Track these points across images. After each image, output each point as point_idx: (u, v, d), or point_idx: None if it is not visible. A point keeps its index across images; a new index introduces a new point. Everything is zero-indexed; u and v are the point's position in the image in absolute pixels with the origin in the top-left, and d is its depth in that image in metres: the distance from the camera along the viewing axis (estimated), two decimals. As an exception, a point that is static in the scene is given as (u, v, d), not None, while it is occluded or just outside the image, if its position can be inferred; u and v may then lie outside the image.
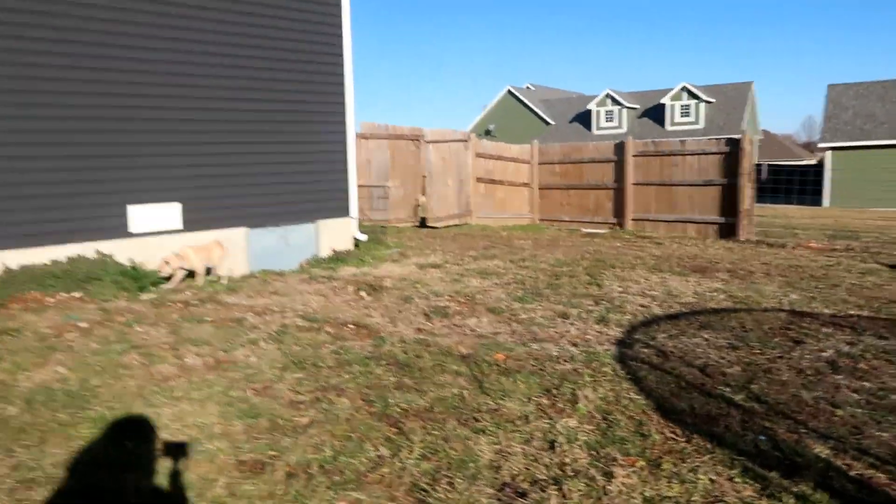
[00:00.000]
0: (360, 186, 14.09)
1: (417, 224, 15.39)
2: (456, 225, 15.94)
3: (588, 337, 5.90)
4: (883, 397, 4.73)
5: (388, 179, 14.82)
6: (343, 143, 9.52)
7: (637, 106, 43.61)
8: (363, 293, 7.21)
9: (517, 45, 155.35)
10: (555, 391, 4.55)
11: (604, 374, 4.93)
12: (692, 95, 40.92)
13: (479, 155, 16.56)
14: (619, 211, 16.51)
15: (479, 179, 16.61)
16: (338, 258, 9.27)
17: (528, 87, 51.22)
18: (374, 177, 14.56)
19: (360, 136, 14.19)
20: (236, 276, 8.35)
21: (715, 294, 7.93)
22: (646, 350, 5.63)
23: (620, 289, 7.99)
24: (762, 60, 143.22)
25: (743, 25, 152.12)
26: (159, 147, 7.84)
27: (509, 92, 48.80)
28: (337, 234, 9.60)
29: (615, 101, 43.26)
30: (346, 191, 9.60)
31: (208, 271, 7.83)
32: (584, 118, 44.77)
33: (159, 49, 7.75)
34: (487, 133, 47.13)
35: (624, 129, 42.37)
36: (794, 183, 36.16)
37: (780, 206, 31.25)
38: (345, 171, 9.56)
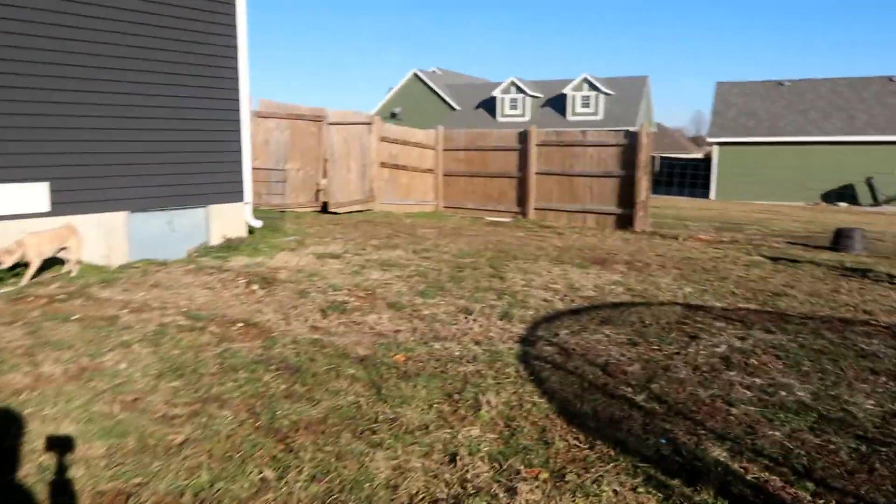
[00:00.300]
0: (256, 169, 13.37)
1: (319, 209, 14.83)
2: (359, 211, 15.50)
3: (491, 335, 5.72)
4: (773, 394, 4.81)
5: (287, 162, 14.16)
6: (237, 120, 8.89)
7: (540, 95, 44.32)
8: (255, 286, 6.73)
9: (424, 28, 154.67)
10: (457, 396, 4.33)
11: (507, 376, 4.76)
12: (592, 87, 42.01)
13: (383, 139, 16.15)
14: (522, 200, 16.59)
15: (382, 164, 16.22)
16: (230, 246, 8.68)
17: (434, 71, 50.95)
18: (272, 159, 13.87)
19: (258, 115, 13.45)
20: (114, 265, 7.62)
21: (614, 287, 7.99)
22: (549, 348, 5.52)
23: (524, 282, 7.90)
24: (656, 55, 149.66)
25: (640, 20, 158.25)
26: (22, 119, 6.98)
27: (415, 75, 48.36)
28: (229, 220, 8.99)
29: (519, 90, 43.76)
30: (239, 173, 8.99)
31: (61, 262, 6.99)
32: (490, 105, 45.06)
33: (25, 7, 6.88)
34: (393, 116, 46.56)
35: (527, 118, 42.97)
36: (684, 176, 37.95)
37: (672, 198, 32.68)
38: (238, 151, 8.95)
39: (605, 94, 42.01)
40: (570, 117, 42.06)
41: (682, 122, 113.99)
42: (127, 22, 7.69)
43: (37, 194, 7.06)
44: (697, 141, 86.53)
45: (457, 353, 5.16)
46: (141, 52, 7.86)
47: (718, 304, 7.48)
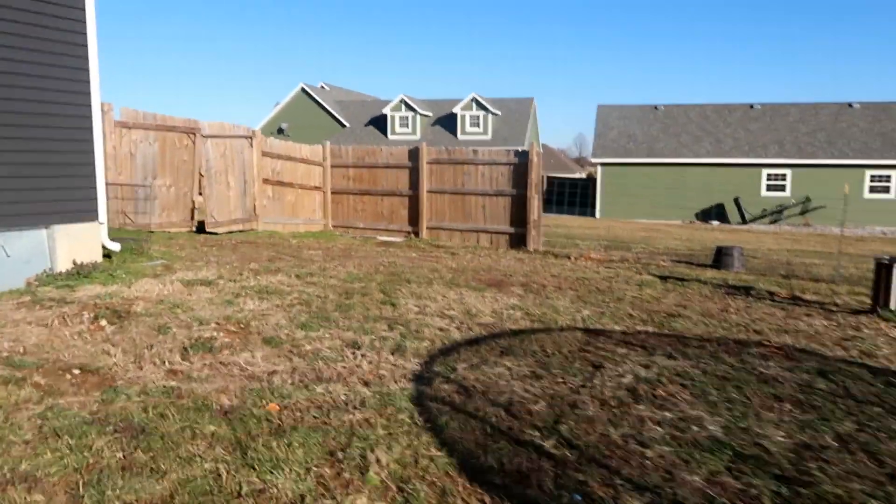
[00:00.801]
0: (120, 185, 12.04)
1: (195, 229, 13.60)
2: (240, 231, 14.38)
3: (382, 373, 5.06)
4: (685, 429, 4.47)
5: (157, 177, 12.88)
6: (88, 129, 7.75)
7: (430, 113, 44.31)
8: (104, 322, 5.70)
9: (310, 43, 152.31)
10: (341, 454, 3.63)
11: (400, 424, 4.12)
12: (481, 107, 42.48)
13: (265, 154, 15.14)
14: (414, 219, 16.06)
15: (265, 181, 15.19)
16: (80, 273, 7.51)
17: (322, 87, 49.86)
18: (138, 173, 12.55)
19: (121, 125, 12.13)
20: (-73, 298, 6.32)
21: (512, 312, 7.57)
22: (446, 386, 4.93)
23: (417, 308, 7.29)
24: (540, 77, 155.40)
25: (524, 43, 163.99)
26: None
27: (303, 90, 47.08)
28: (80, 242, 7.81)
29: (410, 108, 43.55)
30: (92, 189, 7.84)
31: None
32: (380, 122, 44.54)
33: None
34: (280, 132, 44.98)
35: (418, 136, 42.78)
36: (572, 195, 38.99)
37: (561, 216, 33.39)
38: (90, 164, 7.80)
39: (494, 114, 42.59)
40: (460, 136, 42.26)
41: (566, 144, 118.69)
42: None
43: None
44: (580, 162, 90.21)
45: (342, 398, 4.45)
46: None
47: (618, 328, 7.22)
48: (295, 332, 5.86)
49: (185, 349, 5.21)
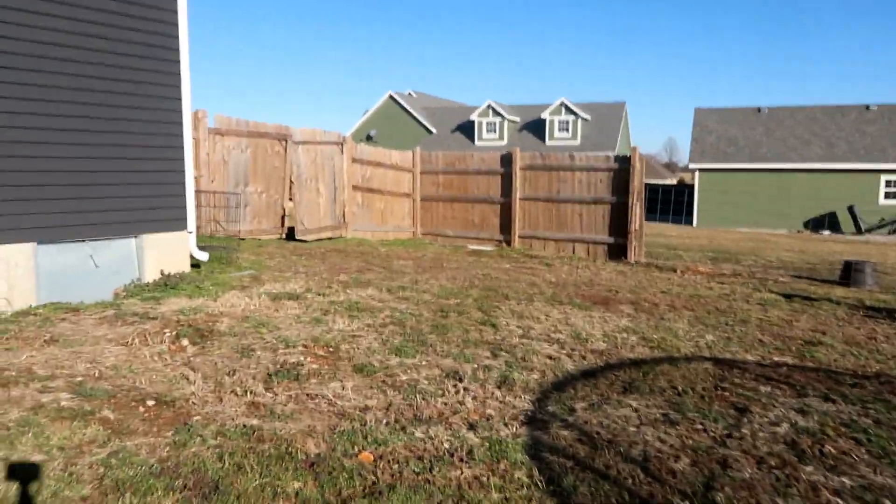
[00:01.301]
0: (213, 193, 11.89)
1: (284, 236, 13.35)
2: (329, 238, 14.05)
3: (489, 412, 4.31)
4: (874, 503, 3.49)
5: (249, 184, 12.69)
6: (178, 136, 7.44)
7: (518, 119, 43.43)
8: (185, 341, 5.24)
9: (400, 51, 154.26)
10: (449, 528, 2.91)
11: (518, 486, 3.36)
12: (570, 112, 41.23)
13: (355, 160, 14.77)
14: (506, 227, 15.29)
15: (355, 187, 14.83)
16: (167, 284, 7.18)
17: (410, 94, 49.92)
18: (231, 180, 12.39)
19: (215, 132, 11.99)
20: (15, 309, 6.08)
21: (626, 336, 6.67)
22: (566, 433, 4.12)
23: (520, 330, 6.51)
24: (629, 81, 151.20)
25: (615, 47, 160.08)
26: None
27: (391, 97, 47.25)
28: (169, 252, 7.49)
29: (497, 113, 42.83)
30: (181, 197, 7.52)
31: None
32: (467, 128, 44.05)
33: None
34: (368, 138, 45.28)
35: (505, 142, 42.00)
36: (665, 202, 37.10)
37: (657, 225, 31.71)
38: (180, 171, 7.49)
39: (583, 118, 41.25)
40: (548, 142, 41.17)
41: (655, 149, 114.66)
42: (33, 13, 6.23)
43: (-90, 222, 5.53)
44: (670, 167, 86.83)
45: (446, 446, 3.73)
46: (71, 66, 6.41)
47: (751, 358, 6.20)
48: (388, 358, 5.21)
49: (269, 376, 4.65)
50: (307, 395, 4.39)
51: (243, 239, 12.44)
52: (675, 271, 12.30)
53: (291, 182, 13.18)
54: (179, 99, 7.38)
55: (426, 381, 4.79)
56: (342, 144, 14.41)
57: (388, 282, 8.61)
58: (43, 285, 6.46)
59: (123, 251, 7.11)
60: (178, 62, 7.31)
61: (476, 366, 5.22)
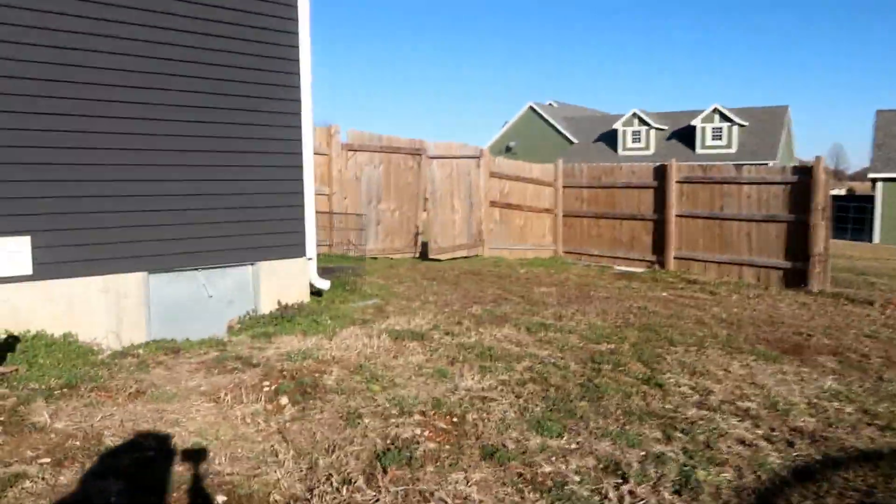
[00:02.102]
0: (343, 214, 11.29)
1: (417, 255, 12.55)
2: (465, 257, 13.08)
3: (672, 544, 2.97)
4: None
5: (381, 201, 12.01)
6: (298, 154, 6.71)
7: (665, 127, 40.62)
8: (284, 399, 4.34)
9: (541, 61, 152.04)
10: None
11: None
12: (724, 118, 37.89)
13: (493, 174, 13.71)
14: (659, 247, 13.54)
15: (493, 203, 13.76)
16: (283, 317, 6.44)
17: (550, 104, 48.44)
18: (363, 198, 11.76)
19: (347, 148, 11.41)
20: (125, 344, 5.54)
21: (839, 406, 5.00)
22: None
23: (695, 394, 5.05)
24: (787, 84, 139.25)
25: (774, 49, 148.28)
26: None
27: (531, 109, 46.04)
28: (286, 280, 6.78)
29: (642, 122, 40.31)
30: (300, 220, 6.79)
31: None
32: (610, 138, 41.87)
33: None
34: (508, 150, 44.31)
35: (651, 151, 39.42)
36: (841, 217, 32.70)
37: (831, 242, 27.91)
38: (299, 193, 6.76)
39: (740, 125, 37.73)
40: (699, 150, 38.08)
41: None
42: (149, 27, 5.70)
43: (16, 250, 5.11)
44: (838, 175, 78.36)
45: None
46: (168, 65, 5.86)
47: None
48: (527, 437, 3.99)
49: (375, 458, 3.59)
50: (419, 491, 3.28)
51: (375, 258, 11.76)
52: (871, 304, 10.04)
53: (425, 198, 12.36)
54: (299, 114, 6.66)
55: (577, 478, 3.52)
56: (479, 158, 13.41)
57: (528, 316, 7.39)
58: (154, 318, 5.91)
59: (238, 280, 6.46)
60: (297, 74, 6.59)
61: (643, 453, 3.87)
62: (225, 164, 6.25)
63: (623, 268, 13.71)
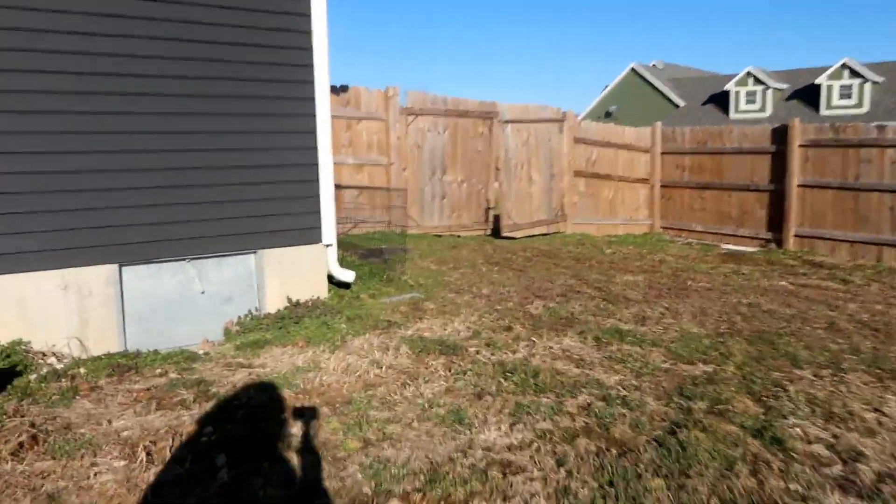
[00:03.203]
0: (401, 189, 9.92)
1: (489, 233, 11.04)
2: (543, 235, 11.44)
3: None
4: None
5: (446, 172, 10.54)
6: (311, 115, 5.35)
7: (784, 86, 36.31)
8: (221, 460, 3.03)
9: (645, 17, 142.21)
10: None
11: None
12: (855, 74, 33.26)
13: (578, 140, 11.88)
14: (775, 222, 11.29)
15: (577, 173, 11.97)
16: (291, 317, 5.18)
17: (654, 65, 44.74)
18: (425, 168, 10.33)
19: (407, 112, 9.98)
20: (91, 353, 4.46)
21: None
22: None
23: (837, 462, 3.30)
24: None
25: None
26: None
27: (633, 70, 42.66)
28: (298, 272, 5.49)
29: (758, 81, 36.21)
30: (314, 198, 5.45)
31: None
32: (721, 100, 38.02)
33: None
34: (608, 115, 41.36)
35: (767, 113, 35.41)
36: None
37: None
38: (312, 165, 5.42)
39: (873, 82, 33.00)
40: (823, 111, 33.74)
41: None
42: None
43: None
44: None
45: None
46: (161, 27, 4.63)
47: None
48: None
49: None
50: None
51: (439, 236, 10.36)
52: None
53: (497, 168, 10.78)
54: (310, 65, 5.27)
55: None
56: (562, 122, 11.61)
57: (601, 318, 5.74)
58: (131, 319, 4.80)
59: (238, 272, 5.24)
60: (307, 16, 5.18)
61: None
62: (217, 130, 5.00)
63: (731, 246, 11.60)
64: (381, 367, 4.23)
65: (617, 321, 5.67)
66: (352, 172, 9.67)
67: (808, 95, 35.05)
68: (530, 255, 9.27)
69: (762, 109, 35.98)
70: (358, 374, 4.11)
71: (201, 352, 4.57)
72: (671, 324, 5.65)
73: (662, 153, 12.89)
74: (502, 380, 4.09)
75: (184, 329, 4.97)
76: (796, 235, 11.07)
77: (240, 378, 3.97)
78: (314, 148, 5.39)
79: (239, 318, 5.22)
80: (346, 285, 6.02)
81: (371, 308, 5.67)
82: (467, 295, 6.45)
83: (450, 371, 4.22)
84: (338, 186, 6.49)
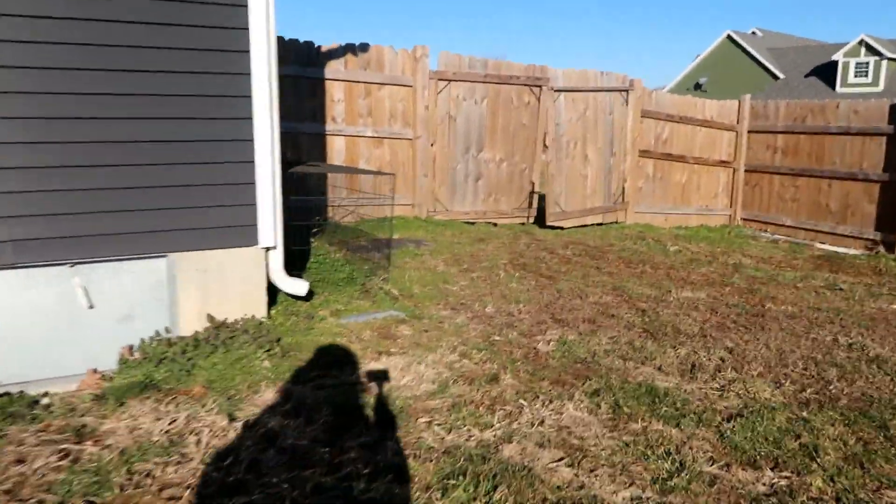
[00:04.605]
0: (433, 161, 8.38)
1: (531, 220, 9.39)
2: (598, 225, 9.68)
3: None
4: None
5: (483, 148, 8.91)
6: (242, 75, 3.91)
7: (903, 56, 31.90)
8: None
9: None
10: None
11: None
12: None
13: (646, 114, 9.94)
14: (887, 220, 9.06)
15: (644, 152, 10.06)
16: (211, 343, 3.84)
17: (753, 33, 40.58)
18: (459, 143, 8.74)
19: (438, 77, 8.38)
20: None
21: None
22: None
23: None
24: None
25: None
26: None
27: (729, 38, 38.78)
28: (225, 282, 4.13)
29: (872, 51, 31.96)
30: (248, 187, 4.04)
31: None
32: (827, 72, 33.95)
33: None
34: (697, 87, 37.90)
35: (881, 87, 31.27)
36: None
37: None
38: (245, 141, 3.99)
39: None
40: (950, 85, 29.37)
41: None
42: None
43: None
44: None
45: None
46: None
47: None
48: None
49: None
50: None
51: (472, 223, 8.81)
52: None
53: (545, 146, 9.05)
54: (241, 5, 3.81)
55: None
56: (628, 91, 9.69)
57: (633, 363, 4.09)
58: (-9, 339, 3.59)
59: (141, 282, 3.93)
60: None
61: None
62: (105, 92, 3.64)
63: (828, 246, 9.47)
64: (269, 451, 2.81)
65: (654, 371, 4.01)
66: (370, 146, 8.23)
67: (932, 68, 30.64)
68: (572, 253, 7.58)
69: (874, 83, 31.84)
70: (226, 463, 2.71)
71: (53, 398, 3.30)
72: (733, 380, 3.92)
73: (750, 131, 10.73)
74: (437, 494, 2.58)
75: (67, 355, 3.73)
76: (916, 238, 8.83)
77: (40, 466, 2.65)
78: (248, 118, 3.96)
79: (143, 341, 3.92)
80: (309, 296, 4.62)
81: (323, 333, 4.25)
82: (464, 314, 4.92)
83: (366, 467, 2.75)
84: (288, 164, 5.03)
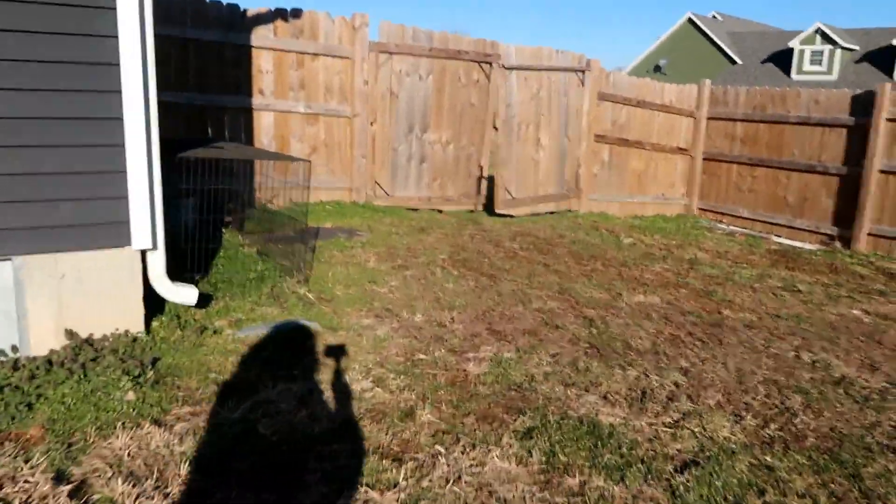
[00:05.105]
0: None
1: (479, 208, 8.77)
2: (550, 213, 9.14)
3: None
4: None
5: (428, 128, 8.22)
6: (107, 38, 3.16)
7: (857, 47, 32.22)
8: None
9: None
10: None
11: None
12: (942, 34, 29.07)
13: (603, 96, 9.38)
14: (845, 214, 8.76)
15: (600, 137, 9.53)
16: (70, 364, 3.14)
17: (714, 16, 40.52)
18: (401, 123, 8.03)
19: (379, 49, 7.63)
20: None
21: None
22: None
23: None
24: None
25: None
26: None
27: (690, 20, 38.60)
28: (90, 291, 3.41)
29: (827, 39, 32.16)
30: (116, 175, 3.32)
31: None
32: (783, 59, 34.10)
33: None
34: (657, 70, 37.68)
35: (834, 76, 31.56)
36: None
37: None
38: (113, 120, 3.26)
39: (963, 44, 28.80)
40: (900, 76, 29.75)
41: None
42: None
43: None
44: None
45: None
46: None
47: None
48: None
49: None
50: None
51: (415, 210, 8.15)
52: None
53: (495, 128, 8.42)
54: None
55: None
56: (584, 72, 9.10)
57: (575, 390, 3.54)
58: None
59: (-23, 290, 3.17)
60: None
61: None
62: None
63: (785, 240, 9.15)
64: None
65: (599, 400, 3.45)
66: (303, 124, 7.45)
67: (883, 59, 31.02)
68: (519, 246, 7.01)
69: (828, 72, 32.11)
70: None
71: None
72: (687, 413, 3.41)
73: (709, 118, 10.31)
74: None
75: None
76: (870, 234, 8.56)
77: None
78: (115, 91, 3.20)
79: (-20, 363, 3.18)
80: (207, 300, 3.92)
81: (214, 350, 3.57)
82: (389, 324, 4.29)
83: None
84: (179, 146, 4.27)
